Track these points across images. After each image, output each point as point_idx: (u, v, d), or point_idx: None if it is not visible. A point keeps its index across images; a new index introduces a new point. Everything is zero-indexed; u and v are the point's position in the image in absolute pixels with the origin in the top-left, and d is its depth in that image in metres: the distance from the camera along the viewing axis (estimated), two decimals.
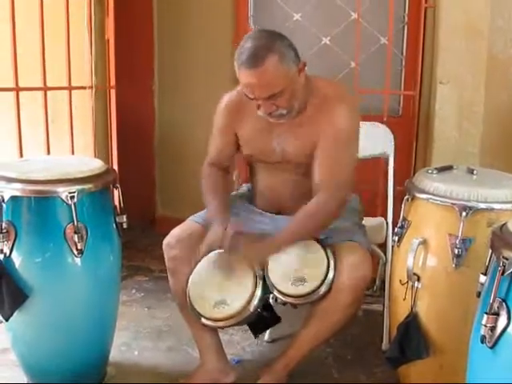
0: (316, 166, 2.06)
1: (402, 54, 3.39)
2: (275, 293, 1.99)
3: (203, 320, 2.02)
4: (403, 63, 3.40)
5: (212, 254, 2.09)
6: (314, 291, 1.95)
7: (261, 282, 2.00)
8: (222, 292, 2.01)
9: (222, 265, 2.06)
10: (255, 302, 1.98)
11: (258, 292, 1.99)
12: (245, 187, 2.43)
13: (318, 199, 2.02)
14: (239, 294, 1.99)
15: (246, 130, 2.19)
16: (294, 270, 1.99)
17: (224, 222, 2.04)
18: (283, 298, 1.99)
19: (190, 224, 2.21)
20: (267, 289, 2.01)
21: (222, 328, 2.10)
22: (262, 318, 2.05)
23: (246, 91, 1.96)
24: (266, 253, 2.02)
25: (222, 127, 2.25)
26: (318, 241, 2.06)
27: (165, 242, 2.18)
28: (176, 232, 2.18)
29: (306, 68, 2.01)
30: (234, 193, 2.43)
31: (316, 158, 2.06)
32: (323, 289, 1.95)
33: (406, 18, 3.35)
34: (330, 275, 1.96)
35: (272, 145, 2.14)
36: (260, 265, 2.01)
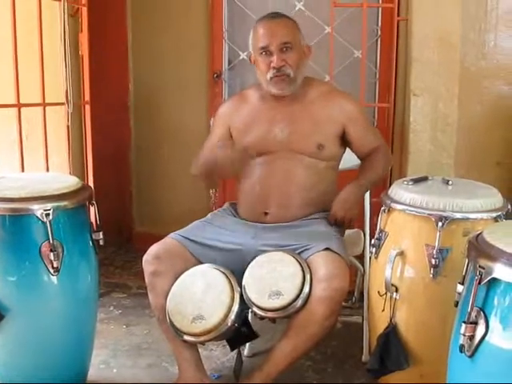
0: (358, 143, 2.31)
1: (376, 66, 3.43)
2: (252, 307, 2.00)
3: (184, 337, 2.02)
4: (377, 76, 3.43)
5: (192, 269, 2.12)
6: (290, 304, 1.96)
7: (238, 297, 2.01)
8: (200, 307, 2.02)
9: (200, 278, 2.07)
10: (232, 316, 1.98)
11: (236, 306, 1.99)
12: (227, 204, 2.47)
13: (372, 155, 2.31)
14: (216, 309, 1.99)
15: (243, 120, 2.34)
16: (270, 284, 1.99)
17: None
18: (260, 313, 1.99)
19: (169, 241, 2.21)
20: (245, 304, 2.01)
21: (203, 343, 2.09)
22: (240, 334, 2.05)
23: (263, 41, 2.20)
24: (356, 198, 2.23)
25: (217, 126, 2.40)
26: (294, 255, 2.06)
27: (144, 258, 2.18)
28: (154, 249, 2.18)
29: (310, 54, 2.31)
30: (215, 211, 2.48)
31: (354, 138, 2.30)
32: (299, 302, 1.96)
33: (379, 32, 3.39)
34: (306, 288, 1.96)
35: (274, 131, 2.26)
36: (354, 213, 2.21)
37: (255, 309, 1.99)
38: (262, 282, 2.01)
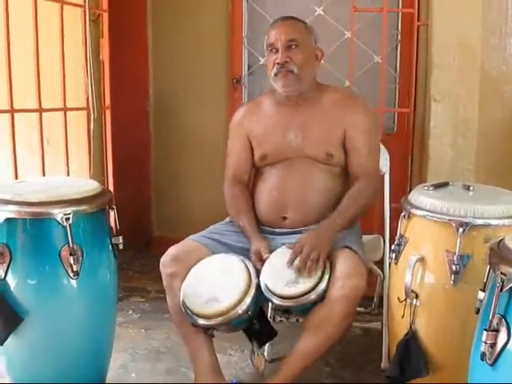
0: (352, 155, 2.24)
1: (396, 71, 3.42)
2: (267, 294, 2.00)
3: (195, 318, 2.02)
4: (397, 81, 3.42)
5: (211, 256, 2.15)
6: (307, 293, 1.95)
7: (254, 283, 2.02)
8: (215, 289, 2.03)
9: (219, 263, 2.11)
10: (247, 301, 1.99)
11: (252, 292, 2.00)
12: None
13: (359, 184, 2.21)
14: (231, 293, 2.00)
15: (260, 128, 2.33)
16: (289, 273, 2.00)
17: (261, 241, 2.17)
18: (275, 300, 1.98)
19: (188, 243, 2.23)
20: (261, 293, 2.02)
21: (214, 327, 2.07)
22: (253, 327, 2.06)
23: (270, 39, 2.21)
24: (329, 239, 2.06)
25: (236, 136, 2.39)
26: None
27: (162, 259, 2.19)
28: (173, 250, 2.20)
29: (322, 58, 2.28)
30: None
31: (350, 149, 2.24)
32: (318, 290, 1.95)
33: (399, 37, 3.38)
34: (324, 282, 1.96)
35: (289, 138, 2.26)
36: (327, 252, 2.02)
37: (270, 296, 1.99)
38: (279, 271, 2.02)
